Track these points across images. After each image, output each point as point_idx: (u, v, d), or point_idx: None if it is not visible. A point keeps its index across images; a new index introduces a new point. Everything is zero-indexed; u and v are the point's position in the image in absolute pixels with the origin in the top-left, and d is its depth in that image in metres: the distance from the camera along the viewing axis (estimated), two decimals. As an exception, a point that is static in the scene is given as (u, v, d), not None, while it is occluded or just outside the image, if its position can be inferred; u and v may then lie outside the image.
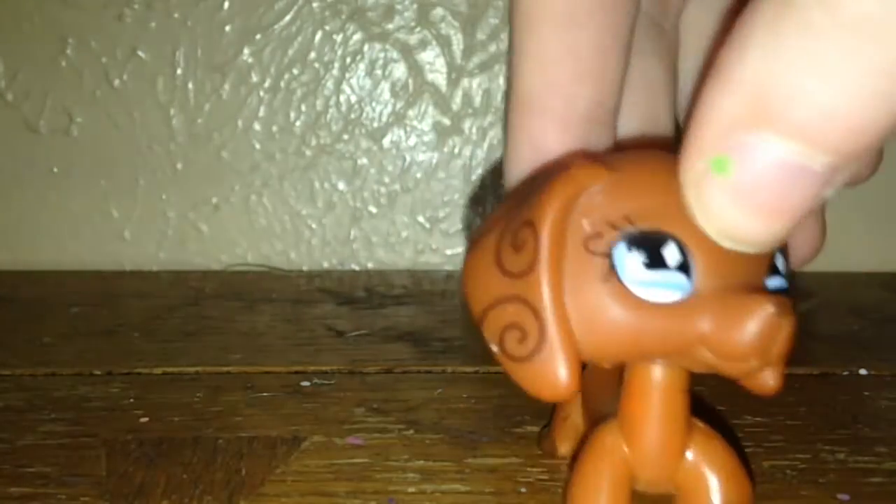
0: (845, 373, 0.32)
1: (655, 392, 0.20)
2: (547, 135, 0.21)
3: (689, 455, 0.20)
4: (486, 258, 0.19)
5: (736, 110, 0.15)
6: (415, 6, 0.44)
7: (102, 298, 0.41)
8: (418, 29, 0.44)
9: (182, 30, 0.44)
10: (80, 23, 0.44)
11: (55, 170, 0.45)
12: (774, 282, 0.19)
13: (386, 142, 0.45)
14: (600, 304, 0.18)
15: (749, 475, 0.21)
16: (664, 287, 0.18)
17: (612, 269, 0.18)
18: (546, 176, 0.19)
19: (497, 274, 0.19)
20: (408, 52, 0.45)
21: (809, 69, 0.14)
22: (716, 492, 0.20)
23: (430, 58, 0.45)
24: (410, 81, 0.45)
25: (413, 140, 0.45)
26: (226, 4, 0.44)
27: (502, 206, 0.21)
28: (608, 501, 0.20)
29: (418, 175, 0.46)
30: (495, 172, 0.45)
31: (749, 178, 0.15)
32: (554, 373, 0.18)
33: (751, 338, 0.17)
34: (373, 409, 0.29)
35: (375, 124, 0.45)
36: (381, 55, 0.45)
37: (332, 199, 0.46)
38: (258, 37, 0.44)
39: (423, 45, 0.45)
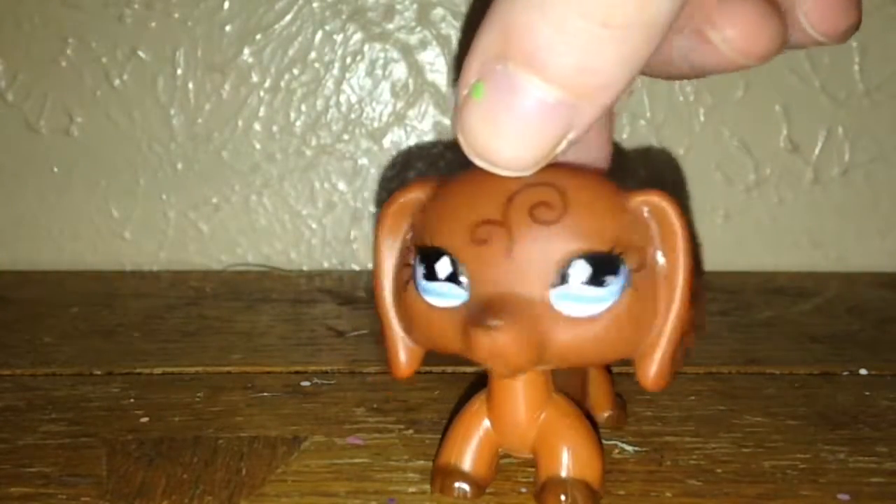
0: (845, 373, 0.32)
1: (516, 379, 0.23)
2: None
3: (544, 425, 0.23)
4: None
5: (489, 44, 0.18)
6: (415, 6, 0.44)
7: (102, 298, 0.41)
8: (418, 29, 0.44)
9: (182, 30, 0.44)
10: (80, 23, 0.44)
11: (55, 170, 0.45)
12: (563, 291, 0.20)
13: (386, 142, 0.45)
14: (407, 306, 0.22)
15: (600, 448, 0.23)
16: (439, 295, 0.21)
17: (412, 278, 0.22)
18: None
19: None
20: (408, 52, 0.45)
21: (540, 11, 0.17)
22: (565, 459, 0.23)
23: (431, 58, 0.45)
24: (411, 81, 0.45)
25: (413, 140, 0.45)
26: (226, 4, 0.44)
27: None
28: (472, 459, 0.24)
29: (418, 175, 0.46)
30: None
31: (495, 101, 0.18)
32: (395, 357, 0.23)
33: (474, 352, 0.20)
34: (373, 409, 0.29)
35: (376, 124, 0.45)
36: (382, 55, 0.45)
37: (333, 199, 0.46)
38: (258, 37, 0.44)
39: (424, 45, 0.45)
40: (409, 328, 0.23)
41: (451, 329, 0.21)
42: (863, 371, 0.32)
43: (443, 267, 0.21)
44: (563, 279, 0.20)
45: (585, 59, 0.17)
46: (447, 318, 0.21)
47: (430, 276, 0.21)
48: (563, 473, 0.23)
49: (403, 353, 0.23)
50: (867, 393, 0.31)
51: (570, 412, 0.23)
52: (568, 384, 0.24)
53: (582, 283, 0.20)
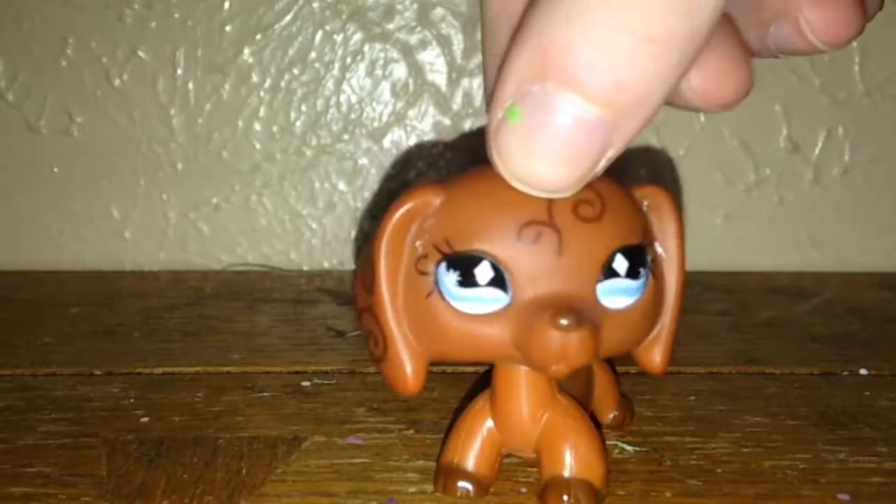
0: (845, 373, 0.32)
1: (520, 376, 0.23)
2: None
3: (547, 425, 0.23)
4: (357, 270, 0.23)
5: (525, 64, 0.17)
6: (415, 6, 0.44)
7: (102, 298, 0.41)
8: (418, 29, 0.44)
9: (182, 30, 0.44)
10: (80, 23, 0.44)
11: (55, 170, 0.45)
12: (608, 285, 0.20)
13: (386, 142, 0.45)
14: (429, 316, 0.21)
15: (603, 449, 0.23)
16: (478, 302, 0.20)
17: (435, 286, 0.21)
18: None
19: (361, 286, 0.22)
20: (408, 52, 0.45)
21: (581, 29, 0.16)
22: (567, 459, 0.23)
23: (431, 58, 0.45)
24: (411, 81, 0.45)
25: (413, 140, 0.45)
26: (226, 4, 0.44)
27: None
28: (475, 458, 0.23)
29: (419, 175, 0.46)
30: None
31: (534, 123, 0.17)
32: (402, 373, 0.22)
33: (542, 354, 0.20)
34: (373, 409, 0.29)
35: (376, 124, 0.45)
36: (382, 55, 0.45)
37: (333, 199, 0.46)
38: (258, 37, 0.44)
39: (424, 45, 0.45)
40: (429, 340, 0.21)
41: (494, 335, 0.20)
42: (863, 371, 0.32)
43: (483, 272, 0.20)
44: (608, 273, 0.20)
45: (627, 76, 0.17)
46: (488, 324, 0.20)
47: (467, 282, 0.20)
48: (566, 473, 0.23)
49: (410, 367, 0.22)
50: (867, 393, 0.31)
51: (573, 412, 0.23)
52: (571, 385, 0.24)
53: (622, 276, 0.21)
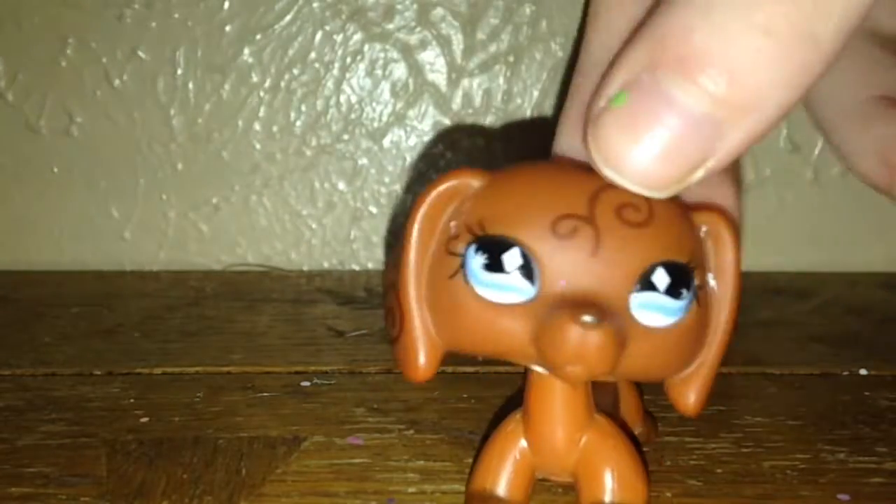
0: (845, 373, 0.32)
1: (555, 392, 0.21)
2: None
3: (587, 448, 0.22)
4: (393, 250, 0.22)
5: (638, 54, 0.17)
6: (415, 6, 0.44)
7: (102, 298, 0.41)
8: (418, 29, 0.44)
9: (182, 30, 0.44)
10: (80, 23, 0.44)
11: (55, 170, 0.45)
12: (643, 298, 0.19)
13: (386, 142, 0.45)
14: (450, 299, 0.20)
15: (645, 470, 0.22)
16: (502, 289, 0.19)
17: (462, 268, 0.20)
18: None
19: (392, 263, 0.22)
20: (408, 52, 0.45)
21: (699, 16, 0.16)
22: (609, 483, 0.22)
23: (431, 58, 0.45)
24: (410, 81, 0.45)
25: (413, 140, 0.45)
26: (226, 4, 0.44)
27: None
28: (507, 483, 0.22)
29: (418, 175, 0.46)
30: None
31: (637, 108, 0.17)
32: (414, 358, 0.21)
33: (558, 350, 0.18)
34: (373, 409, 0.29)
35: (375, 124, 0.45)
36: (382, 55, 0.45)
37: (333, 199, 0.46)
38: (258, 37, 0.44)
39: (423, 45, 0.44)
40: (446, 324, 0.21)
41: (513, 327, 0.19)
42: (863, 371, 0.32)
43: (512, 258, 0.19)
44: (645, 285, 0.19)
45: (742, 70, 0.16)
46: (507, 314, 0.19)
47: (494, 267, 0.19)
48: (607, 499, 0.22)
49: (423, 353, 0.21)
50: (867, 393, 0.31)
51: (613, 433, 0.22)
52: (600, 401, 0.23)
53: (661, 292, 0.19)
